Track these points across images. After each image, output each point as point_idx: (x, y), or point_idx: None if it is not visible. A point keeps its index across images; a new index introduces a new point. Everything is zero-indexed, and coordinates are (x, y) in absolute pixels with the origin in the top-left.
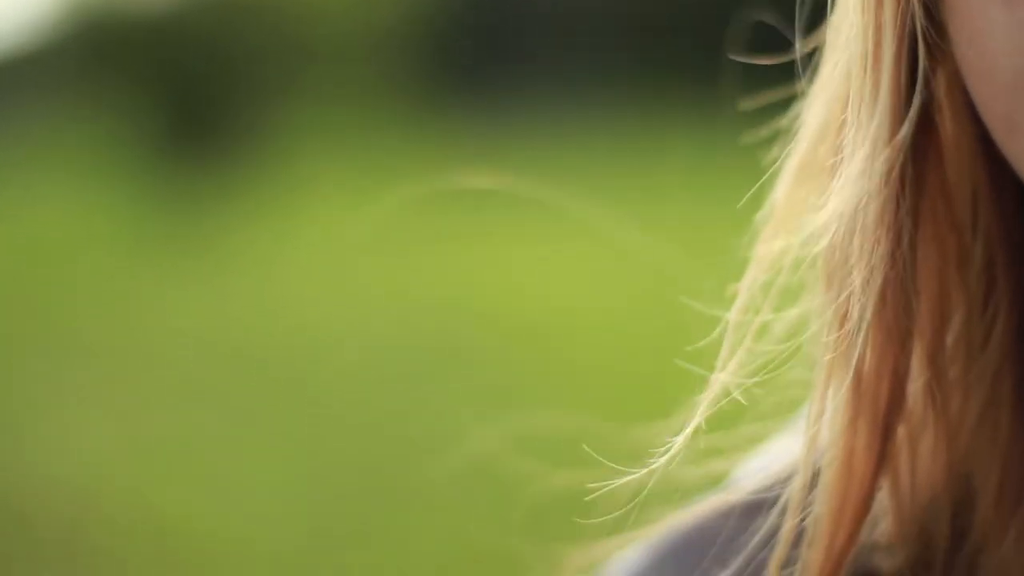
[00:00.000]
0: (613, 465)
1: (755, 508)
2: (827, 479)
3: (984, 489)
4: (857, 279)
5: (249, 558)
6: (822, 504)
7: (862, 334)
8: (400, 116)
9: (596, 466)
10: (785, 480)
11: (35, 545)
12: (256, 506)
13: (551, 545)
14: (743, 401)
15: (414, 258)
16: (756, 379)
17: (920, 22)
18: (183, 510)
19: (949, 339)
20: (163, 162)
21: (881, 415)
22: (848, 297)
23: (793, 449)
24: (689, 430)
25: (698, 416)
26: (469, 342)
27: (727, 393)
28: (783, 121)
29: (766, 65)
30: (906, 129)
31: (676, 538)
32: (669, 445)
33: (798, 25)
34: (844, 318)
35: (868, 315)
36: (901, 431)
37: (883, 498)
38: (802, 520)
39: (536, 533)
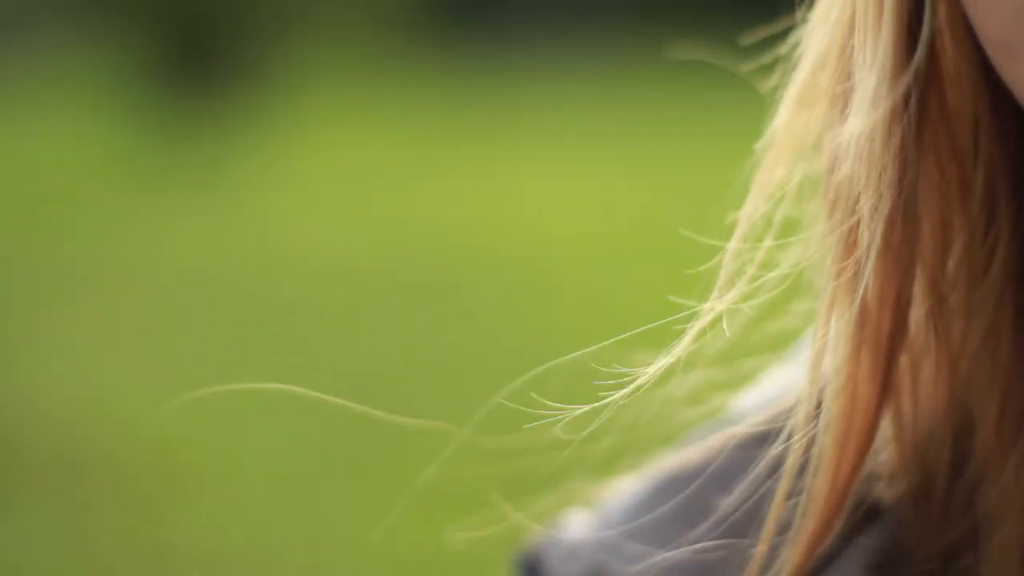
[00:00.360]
0: (606, 394)
1: (759, 440)
2: (830, 409)
3: (984, 418)
4: (865, 206)
5: (248, 485)
6: (826, 434)
7: (869, 261)
8: (400, 50)
9: (591, 398)
10: (788, 411)
11: (33, 475)
12: (255, 434)
13: (547, 478)
14: (736, 332)
15: (414, 191)
16: (753, 308)
17: None
18: (182, 439)
19: (951, 266)
20: (162, 94)
21: (884, 344)
22: (856, 224)
23: (794, 381)
24: (680, 350)
25: (684, 341)
26: (469, 274)
27: (718, 320)
28: (783, 49)
29: None
30: (919, 55)
31: (677, 468)
32: (659, 369)
33: None
34: (850, 245)
35: (877, 241)
36: (903, 360)
37: (885, 427)
38: (807, 451)
39: (531, 467)
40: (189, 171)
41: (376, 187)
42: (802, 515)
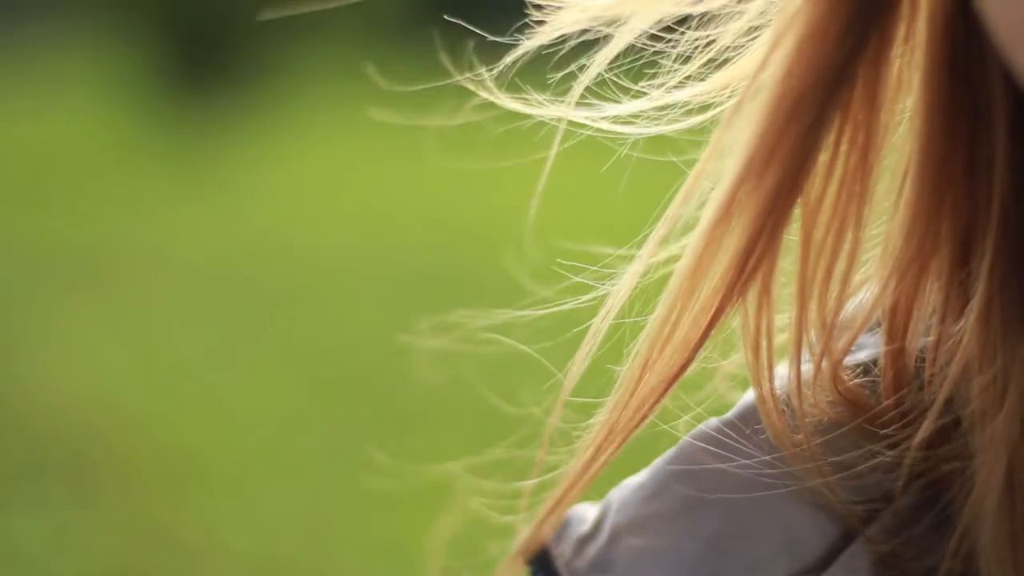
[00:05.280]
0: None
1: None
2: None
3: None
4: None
5: (252, 477)
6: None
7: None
8: (398, 46)
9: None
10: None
11: (41, 465)
12: (257, 423)
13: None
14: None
15: (406, 180)
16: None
17: None
18: (187, 428)
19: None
20: (166, 85)
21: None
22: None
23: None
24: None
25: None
26: (461, 259)
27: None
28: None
29: None
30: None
31: (680, 464)
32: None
33: None
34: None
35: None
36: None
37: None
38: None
39: (528, 450)
40: (191, 162)
41: (370, 178)
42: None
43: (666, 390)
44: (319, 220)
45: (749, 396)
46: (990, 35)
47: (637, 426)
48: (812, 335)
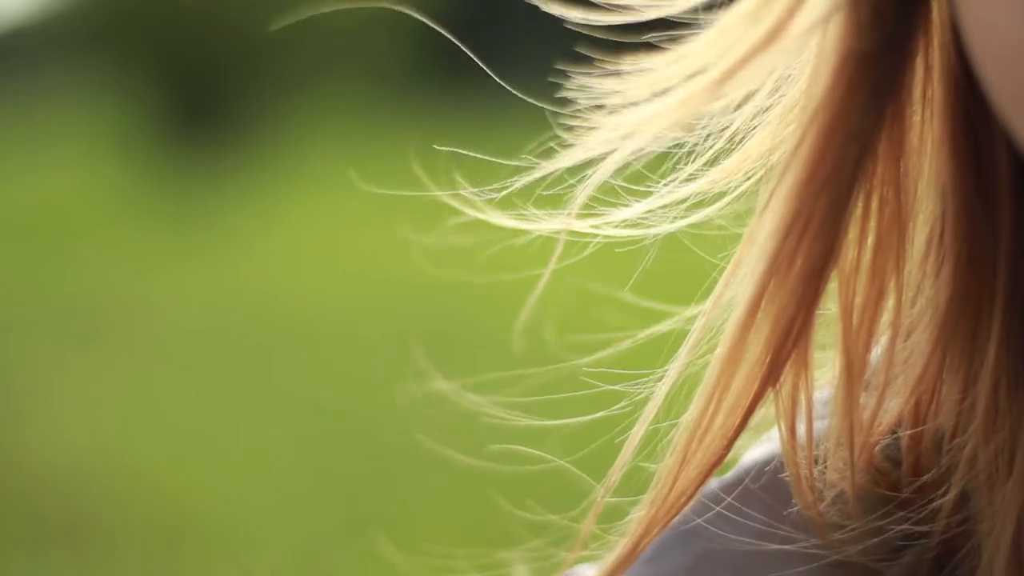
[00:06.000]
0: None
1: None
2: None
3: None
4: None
5: (249, 535)
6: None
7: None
8: (396, 103)
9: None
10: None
11: (37, 523)
12: (253, 482)
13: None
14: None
15: (407, 239)
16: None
17: None
18: (183, 487)
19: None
20: (164, 140)
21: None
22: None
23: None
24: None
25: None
26: (468, 319)
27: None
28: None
29: None
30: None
31: (684, 522)
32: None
33: None
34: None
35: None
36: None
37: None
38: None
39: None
40: (189, 216)
41: (368, 234)
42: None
43: (704, 480)
44: (317, 277)
45: (750, 456)
46: (989, 98)
47: (674, 517)
48: (855, 404)
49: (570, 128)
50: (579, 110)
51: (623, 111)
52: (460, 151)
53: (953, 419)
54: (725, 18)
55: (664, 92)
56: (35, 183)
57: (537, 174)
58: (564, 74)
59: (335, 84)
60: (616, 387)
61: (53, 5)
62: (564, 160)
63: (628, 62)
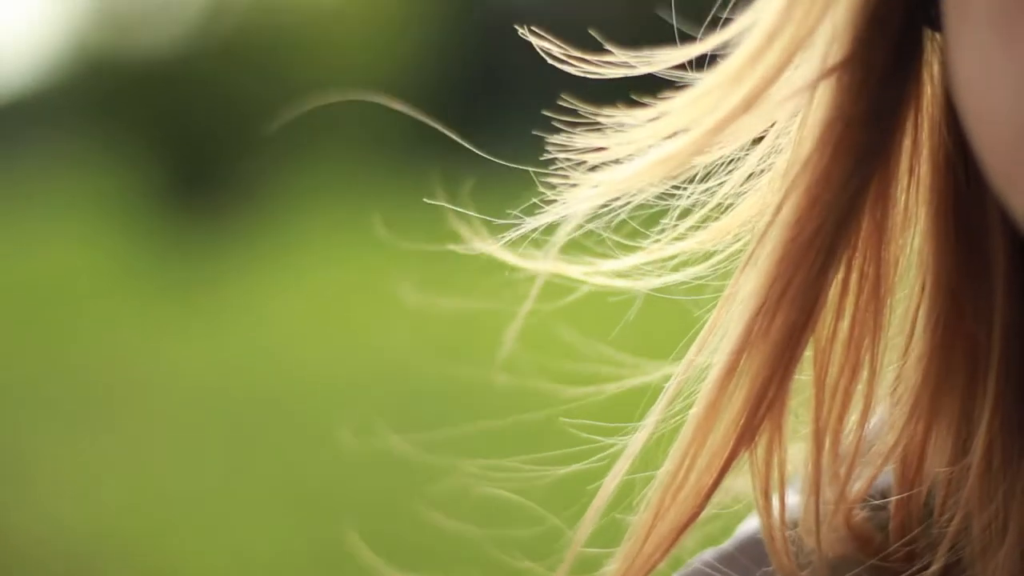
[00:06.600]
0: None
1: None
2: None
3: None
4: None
5: None
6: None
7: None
8: (394, 171)
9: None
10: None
11: None
12: (254, 550)
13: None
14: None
15: (404, 308)
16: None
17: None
18: (185, 555)
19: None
20: (165, 210)
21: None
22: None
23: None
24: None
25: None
26: (470, 386)
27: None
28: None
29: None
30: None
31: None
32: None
33: None
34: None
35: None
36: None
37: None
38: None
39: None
40: (189, 284)
41: (370, 301)
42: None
43: (677, 537)
44: (318, 344)
45: (746, 528)
46: (986, 175)
47: (648, 573)
48: (826, 477)
49: (553, 186)
50: (562, 168)
51: (604, 168)
52: (455, 207)
53: (943, 488)
54: (708, 79)
55: (645, 150)
56: (37, 253)
57: (524, 229)
58: (550, 125)
59: (332, 151)
60: (602, 439)
61: (53, 77)
62: (548, 216)
63: (610, 117)
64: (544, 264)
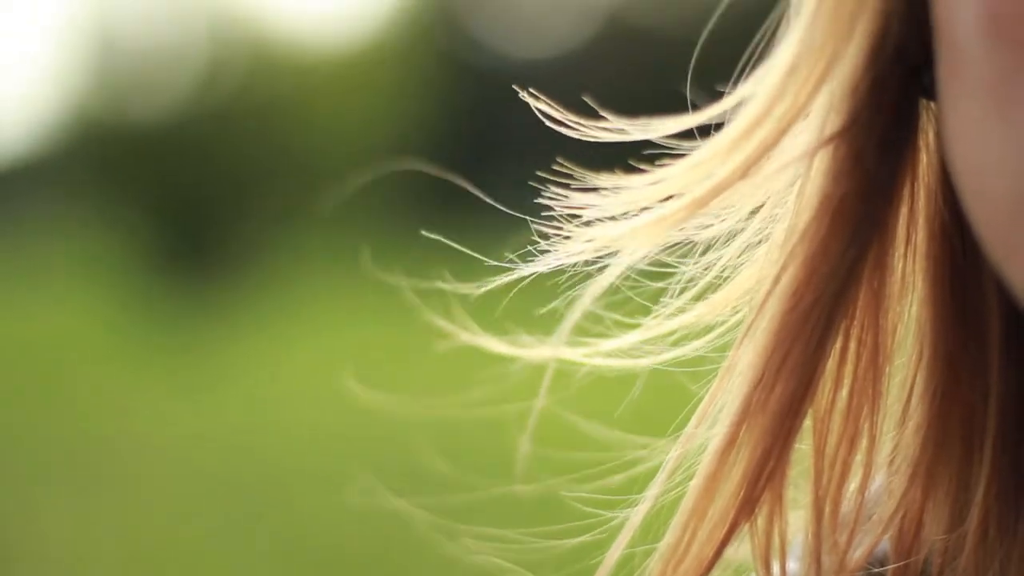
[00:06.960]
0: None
1: None
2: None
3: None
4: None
5: None
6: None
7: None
8: (393, 236)
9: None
10: None
11: None
12: None
13: None
14: None
15: (401, 365)
16: None
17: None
18: None
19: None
20: (156, 276)
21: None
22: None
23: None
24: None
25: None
26: (470, 448)
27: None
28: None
29: None
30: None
31: None
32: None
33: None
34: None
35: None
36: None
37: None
38: None
39: None
40: (184, 351)
41: (360, 370)
42: None
43: None
44: (307, 411)
45: None
46: (983, 246)
47: None
48: (826, 546)
49: (547, 237)
50: (557, 221)
51: (598, 224)
52: (448, 273)
53: (940, 555)
54: (706, 147)
55: (640, 211)
56: (31, 318)
57: (518, 286)
58: (544, 184)
59: (323, 219)
60: (606, 512)
61: (49, 143)
62: (540, 266)
63: (607, 180)
64: (547, 351)
